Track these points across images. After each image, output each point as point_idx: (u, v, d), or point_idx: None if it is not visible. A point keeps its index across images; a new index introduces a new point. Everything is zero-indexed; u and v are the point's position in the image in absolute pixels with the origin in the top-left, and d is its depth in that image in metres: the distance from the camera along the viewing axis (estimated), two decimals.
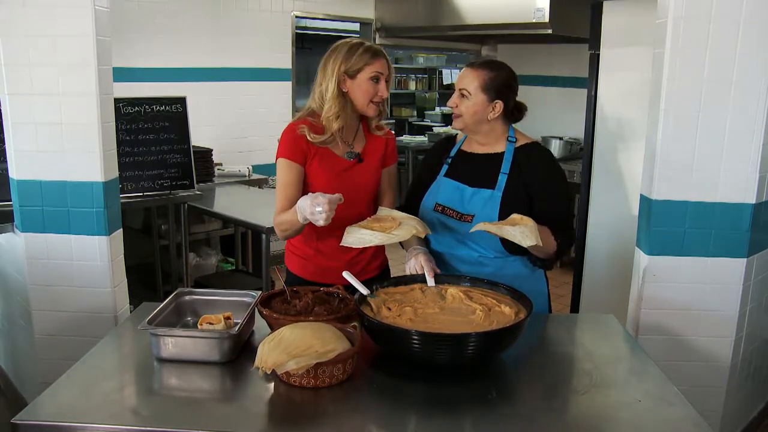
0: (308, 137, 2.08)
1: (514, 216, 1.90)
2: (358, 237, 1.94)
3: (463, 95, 2.08)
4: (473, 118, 2.09)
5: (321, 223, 1.85)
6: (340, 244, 1.95)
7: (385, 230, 1.94)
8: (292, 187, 2.10)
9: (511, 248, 2.06)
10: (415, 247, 2.09)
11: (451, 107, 2.12)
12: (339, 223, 2.15)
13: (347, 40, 2.13)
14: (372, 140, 2.22)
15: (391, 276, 2.28)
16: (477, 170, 2.14)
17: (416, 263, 2.03)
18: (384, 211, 2.08)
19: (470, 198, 2.11)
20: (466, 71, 2.10)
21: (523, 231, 1.82)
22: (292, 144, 2.10)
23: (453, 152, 2.23)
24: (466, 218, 2.09)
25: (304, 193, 2.11)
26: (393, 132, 2.34)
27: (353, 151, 2.17)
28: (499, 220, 2.00)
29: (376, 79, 2.07)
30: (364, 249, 2.19)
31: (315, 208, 1.84)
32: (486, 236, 2.03)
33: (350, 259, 2.19)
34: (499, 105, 2.07)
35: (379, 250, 2.29)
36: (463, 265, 2.14)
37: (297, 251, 2.25)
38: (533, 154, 2.13)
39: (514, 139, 2.14)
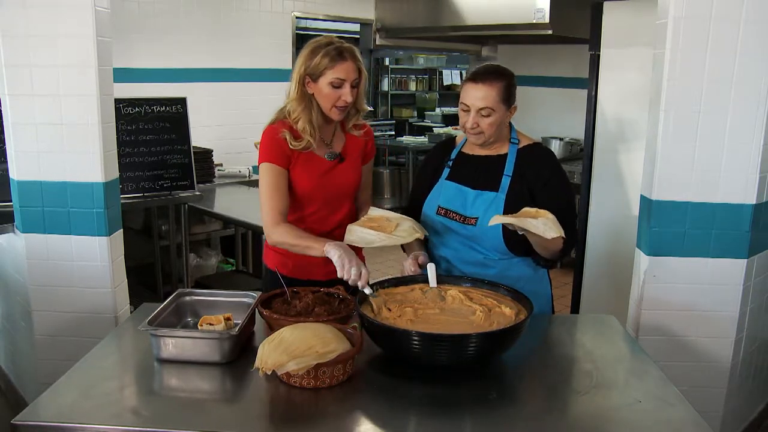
0: (290, 144, 2.05)
1: (528, 209, 1.89)
2: (360, 236, 1.95)
3: (484, 115, 2.00)
4: (497, 131, 2.05)
5: (353, 276, 1.85)
6: (344, 242, 1.95)
7: (383, 230, 1.94)
8: (281, 193, 2.05)
9: (516, 250, 2.06)
10: (416, 252, 2.09)
11: (471, 128, 2.03)
12: (323, 223, 2.15)
13: (317, 39, 2.05)
14: (351, 138, 2.20)
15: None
16: (479, 172, 2.13)
17: (413, 263, 2.03)
18: (376, 212, 2.07)
19: (473, 201, 2.09)
20: (479, 88, 1.99)
21: (545, 223, 1.81)
22: (276, 148, 2.05)
23: (453, 154, 2.21)
24: (469, 221, 2.08)
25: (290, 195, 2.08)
26: (370, 127, 2.28)
27: (333, 151, 2.14)
28: None
29: (337, 85, 2.00)
30: None
31: (351, 267, 1.85)
32: (490, 237, 2.03)
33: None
34: (514, 107, 2.06)
35: (356, 246, 2.28)
36: (467, 266, 2.13)
37: (276, 248, 2.20)
38: (536, 155, 2.12)
39: (517, 141, 2.13)
